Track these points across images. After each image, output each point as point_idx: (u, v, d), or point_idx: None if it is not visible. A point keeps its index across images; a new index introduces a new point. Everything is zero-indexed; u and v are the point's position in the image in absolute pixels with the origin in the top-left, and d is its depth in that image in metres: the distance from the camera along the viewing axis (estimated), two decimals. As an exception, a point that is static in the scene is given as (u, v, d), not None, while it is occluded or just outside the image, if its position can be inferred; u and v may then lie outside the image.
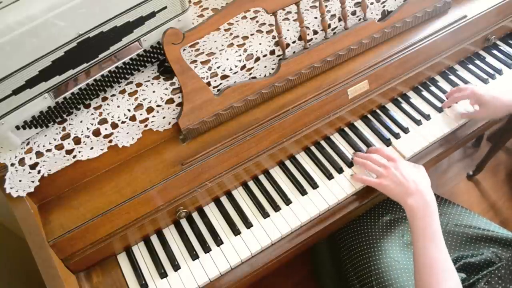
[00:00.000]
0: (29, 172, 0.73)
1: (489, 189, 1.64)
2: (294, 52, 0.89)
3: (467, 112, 0.97)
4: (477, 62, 1.10)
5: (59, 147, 0.75)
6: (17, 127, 0.70)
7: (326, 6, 0.91)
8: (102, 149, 0.79)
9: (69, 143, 0.75)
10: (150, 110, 0.79)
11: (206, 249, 0.83)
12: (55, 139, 0.75)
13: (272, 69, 0.89)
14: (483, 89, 0.92)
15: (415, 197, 0.77)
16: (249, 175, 0.91)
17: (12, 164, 0.72)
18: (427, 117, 0.99)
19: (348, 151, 0.95)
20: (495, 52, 1.12)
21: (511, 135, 1.47)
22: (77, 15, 0.63)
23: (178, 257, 0.82)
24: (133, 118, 0.78)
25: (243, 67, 0.85)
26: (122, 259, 0.83)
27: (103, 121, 0.77)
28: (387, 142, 0.95)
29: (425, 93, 1.04)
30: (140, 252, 0.84)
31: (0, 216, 1.17)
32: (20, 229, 0.73)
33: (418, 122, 0.98)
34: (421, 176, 0.82)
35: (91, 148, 0.78)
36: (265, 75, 0.89)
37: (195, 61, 0.84)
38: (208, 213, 0.88)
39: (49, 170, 0.76)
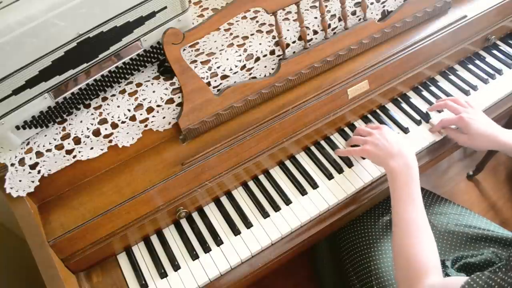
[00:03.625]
0: (29, 172, 0.73)
1: (489, 189, 1.63)
2: (294, 52, 0.89)
3: (451, 132, 0.93)
4: (477, 62, 1.10)
5: (59, 147, 0.75)
6: (17, 127, 0.71)
7: (326, 6, 0.91)
8: (102, 149, 0.79)
9: (69, 143, 0.75)
10: (150, 110, 0.79)
11: (206, 249, 0.82)
12: (55, 139, 0.75)
13: (272, 69, 0.89)
14: (473, 118, 0.87)
15: (397, 159, 0.78)
16: (249, 175, 0.91)
17: (12, 164, 0.72)
18: (427, 117, 0.99)
19: (348, 151, 0.95)
20: (495, 52, 1.12)
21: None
22: (77, 15, 0.63)
23: (178, 257, 0.82)
24: (133, 118, 0.78)
25: (243, 67, 0.85)
26: (122, 259, 0.83)
27: (103, 121, 0.77)
28: (387, 142, 0.95)
29: (425, 93, 1.04)
30: (140, 252, 0.84)
31: (0, 216, 1.17)
32: (20, 229, 0.73)
33: (418, 122, 0.98)
34: (406, 142, 0.83)
35: (91, 148, 0.78)
36: (265, 75, 0.89)
37: (195, 61, 0.84)
38: (208, 213, 0.88)
39: (49, 170, 0.76)
